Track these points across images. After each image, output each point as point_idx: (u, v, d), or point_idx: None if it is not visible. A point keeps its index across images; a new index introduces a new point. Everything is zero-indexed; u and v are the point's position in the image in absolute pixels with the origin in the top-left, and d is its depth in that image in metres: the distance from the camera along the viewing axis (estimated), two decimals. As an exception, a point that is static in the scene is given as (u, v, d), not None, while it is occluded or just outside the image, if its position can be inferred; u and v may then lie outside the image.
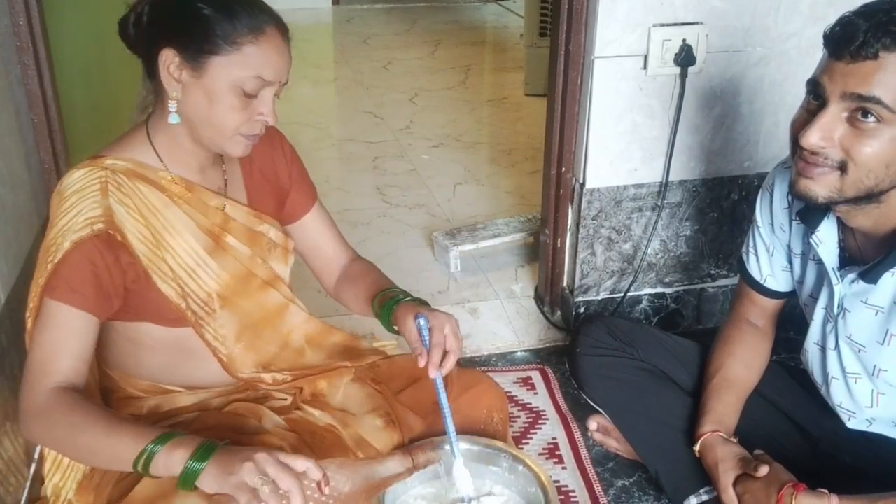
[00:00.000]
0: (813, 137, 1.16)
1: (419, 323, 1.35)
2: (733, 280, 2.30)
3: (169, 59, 1.22)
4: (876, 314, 1.31)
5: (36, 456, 1.56)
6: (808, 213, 1.36)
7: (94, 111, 2.67)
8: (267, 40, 1.23)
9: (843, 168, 1.17)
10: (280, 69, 1.26)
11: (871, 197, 1.20)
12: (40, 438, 1.24)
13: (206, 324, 1.36)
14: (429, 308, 1.41)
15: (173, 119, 1.26)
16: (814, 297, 1.44)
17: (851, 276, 1.32)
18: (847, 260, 1.35)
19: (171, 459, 1.11)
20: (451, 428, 1.37)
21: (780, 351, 1.66)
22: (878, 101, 1.12)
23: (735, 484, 1.41)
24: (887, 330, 1.29)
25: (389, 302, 1.44)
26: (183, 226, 1.32)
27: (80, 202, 1.23)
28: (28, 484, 1.53)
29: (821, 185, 1.20)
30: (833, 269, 1.35)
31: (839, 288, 1.35)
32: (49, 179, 1.84)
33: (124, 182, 1.27)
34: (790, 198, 1.44)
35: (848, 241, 1.35)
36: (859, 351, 1.35)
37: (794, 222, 1.46)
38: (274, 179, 1.49)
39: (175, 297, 1.31)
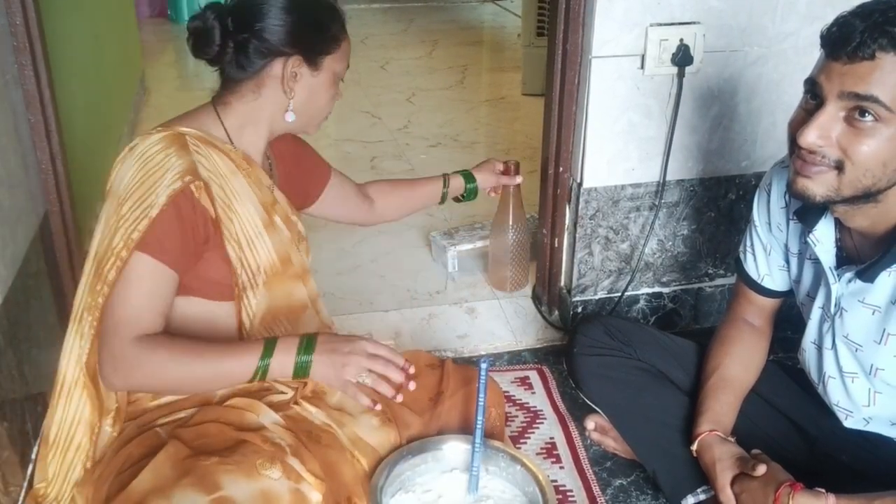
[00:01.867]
0: (810, 136, 1.17)
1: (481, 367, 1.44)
2: (731, 279, 2.30)
3: (294, 65, 1.40)
4: (873, 313, 1.31)
5: (33, 457, 1.56)
6: (806, 212, 1.36)
7: (91, 112, 2.67)
8: (345, 35, 1.46)
9: (840, 167, 1.18)
10: None
11: (868, 196, 1.21)
12: (134, 382, 1.33)
13: (247, 296, 1.43)
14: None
15: (290, 117, 1.44)
16: (811, 297, 1.44)
17: (848, 275, 1.32)
18: (844, 259, 1.36)
19: (284, 363, 1.33)
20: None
21: (778, 350, 1.67)
22: (875, 100, 1.12)
23: (732, 483, 1.41)
24: (884, 329, 1.30)
25: (464, 173, 1.93)
26: (247, 196, 1.42)
27: (165, 159, 1.32)
28: (25, 484, 1.53)
29: (818, 185, 1.20)
30: (830, 268, 1.35)
31: (836, 287, 1.35)
32: (46, 180, 1.84)
33: (199, 146, 1.37)
34: (787, 197, 1.45)
35: (845, 240, 1.35)
36: (856, 350, 1.35)
37: (791, 221, 1.46)
38: (300, 175, 1.66)
39: (235, 262, 1.39)
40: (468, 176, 1.93)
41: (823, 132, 1.17)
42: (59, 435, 1.36)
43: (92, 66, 2.82)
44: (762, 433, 1.56)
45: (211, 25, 1.37)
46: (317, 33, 1.41)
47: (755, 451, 1.44)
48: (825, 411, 1.49)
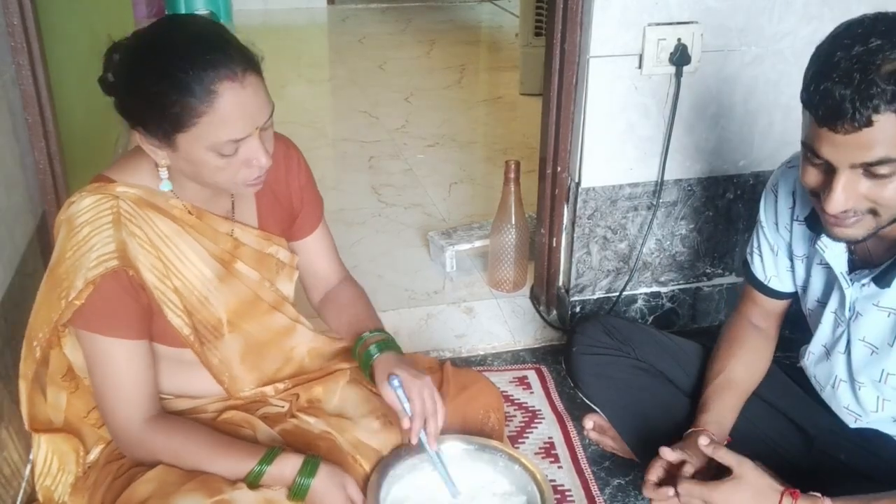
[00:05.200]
0: (839, 206, 1.15)
1: (393, 384, 1.35)
2: (729, 279, 2.30)
3: (141, 136, 1.21)
4: (888, 316, 1.30)
5: (31, 458, 1.55)
6: (816, 219, 1.33)
7: (88, 111, 2.66)
8: (225, 101, 1.15)
9: (874, 212, 1.16)
10: (250, 119, 1.18)
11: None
12: (138, 456, 1.32)
13: (214, 347, 1.37)
14: (402, 365, 1.39)
15: (164, 186, 1.27)
16: (821, 302, 1.43)
17: (863, 279, 1.31)
18: (855, 263, 1.34)
19: (282, 475, 1.27)
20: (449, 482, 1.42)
21: (777, 349, 1.66)
22: (886, 160, 1.10)
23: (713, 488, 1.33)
24: None
25: (367, 354, 1.43)
26: (194, 253, 1.32)
27: (93, 235, 1.22)
28: (24, 485, 1.53)
29: (858, 229, 1.19)
30: (842, 273, 1.33)
31: (850, 292, 1.33)
32: (44, 180, 1.83)
33: (136, 212, 1.26)
34: (794, 198, 1.44)
35: (857, 244, 1.34)
36: (872, 353, 1.34)
37: (795, 223, 1.45)
38: (287, 202, 1.48)
39: (184, 328, 1.31)
40: (370, 355, 1.45)
41: (849, 195, 1.14)
42: (47, 465, 1.38)
43: (89, 65, 2.82)
44: (760, 433, 1.56)
45: (107, 62, 1.23)
46: (146, 107, 1.17)
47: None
48: (823, 410, 1.49)
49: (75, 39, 2.62)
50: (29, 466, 1.56)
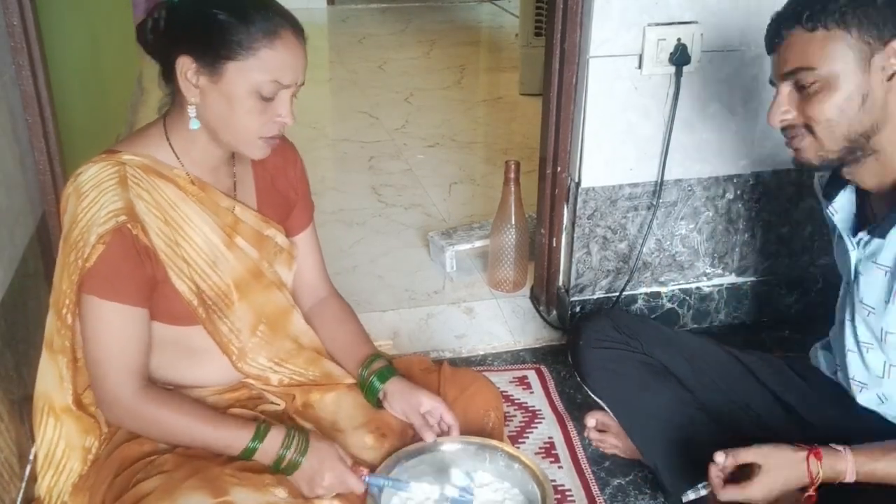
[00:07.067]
0: (774, 119, 1.34)
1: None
2: (729, 279, 2.30)
3: (186, 66, 1.24)
4: (885, 274, 1.35)
5: (31, 457, 1.55)
6: (829, 185, 1.46)
7: (88, 112, 2.66)
8: (283, 44, 1.25)
9: (809, 129, 1.31)
10: (296, 71, 1.28)
11: (856, 148, 1.30)
12: (127, 425, 1.35)
13: (225, 316, 1.38)
14: (411, 401, 1.46)
15: (193, 125, 1.29)
16: (841, 275, 1.49)
17: (864, 236, 1.37)
18: (860, 226, 1.40)
19: (269, 451, 1.29)
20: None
21: (778, 350, 1.66)
22: (800, 69, 1.28)
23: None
24: (893, 287, 1.33)
25: (373, 383, 1.48)
26: (200, 219, 1.34)
27: (100, 196, 1.25)
28: (23, 485, 1.53)
29: (806, 151, 1.34)
30: (848, 235, 1.41)
31: (854, 254, 1.40)
32: (44, 181, 1.83)
33: (142, 177, 1.29)
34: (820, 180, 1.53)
35: (867, 208, 1.41)
36: (868, 314, 1.38)
37: (822, 200, 1.50)
38: (284, 192, 1.51)
39: (188, 294, 1.32)
40: (375, 383, 1.49)
41: (783, 108, 1.33)
42: (49, 456, 1.37)
43: (89, 66, 2.82)
44: (771, 433, 1.56)
45: (153, 16, 1.30)
46: (208, 31, 1.23)
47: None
48: (831, 407, 1.50)
49: (75, 39, 2.62)
50: (28, 466, 1.56)
